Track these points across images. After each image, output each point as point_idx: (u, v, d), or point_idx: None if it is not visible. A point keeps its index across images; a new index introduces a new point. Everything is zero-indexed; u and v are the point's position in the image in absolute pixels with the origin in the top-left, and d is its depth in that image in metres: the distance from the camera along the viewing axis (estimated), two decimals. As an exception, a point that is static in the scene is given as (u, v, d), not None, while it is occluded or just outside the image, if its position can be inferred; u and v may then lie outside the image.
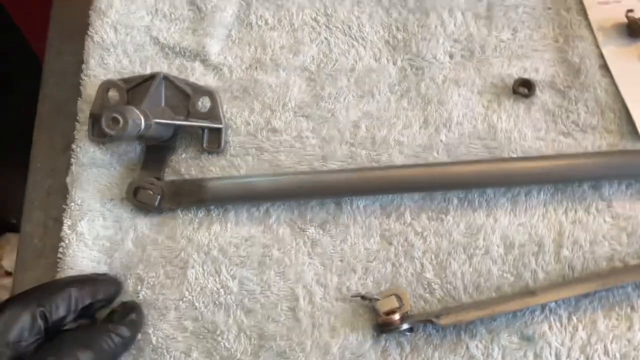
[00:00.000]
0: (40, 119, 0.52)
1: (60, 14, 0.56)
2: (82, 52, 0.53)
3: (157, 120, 0.44)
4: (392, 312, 0.41)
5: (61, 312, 0.38)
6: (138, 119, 0.41)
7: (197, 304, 0.42)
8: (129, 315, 0.41)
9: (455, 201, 0.46)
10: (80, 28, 0.54)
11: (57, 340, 0.38)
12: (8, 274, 1.19)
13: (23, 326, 0.37)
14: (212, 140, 0.47)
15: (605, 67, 0.50)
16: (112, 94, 0.47)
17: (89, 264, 0.43)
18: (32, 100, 0.53)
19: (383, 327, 0.41)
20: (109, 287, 0.42)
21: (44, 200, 0.48)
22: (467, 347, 0.41)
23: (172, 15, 0.52)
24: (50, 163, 0.50)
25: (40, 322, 0.37)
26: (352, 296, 0.43)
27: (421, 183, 0.45)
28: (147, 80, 0.47)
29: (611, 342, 0.41)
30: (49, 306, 0.38)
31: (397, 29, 0.52)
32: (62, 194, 0.48)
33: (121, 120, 0.40)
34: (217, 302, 0.43)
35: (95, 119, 0.48)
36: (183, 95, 0.47)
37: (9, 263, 1.19)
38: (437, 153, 0.47)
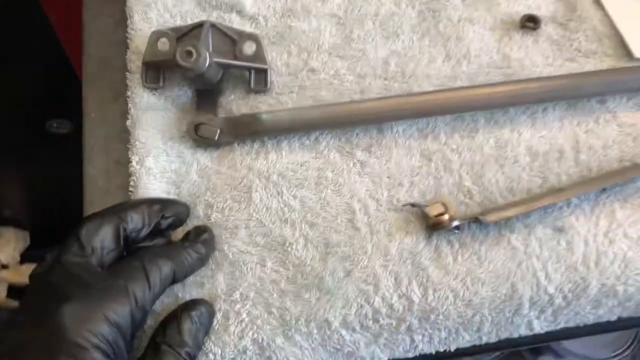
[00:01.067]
0: (87, 75, 0.55)
1: (91, -19, 0.59)
2: (117, 12, 0.56)
3: (216, 59, 0.48)
4: (441, 214, 0.46)
5: (137, 223, 0.41)
6: (205, 53, 0.45)
7: (264, 222, 0.47)
8: (202, 235, 0.44)
9: (483, 121, 0.51)
10: (113, -9, 0.57)
11: (139, 252, 0.41)
12: (4, 266, 1.19)
13: (105, 234, 0.39)
14: (259, 80, 0.51)
15: (598, 1, 0.57)
16: (163, 42, 0.51)
17: (159, 195, 0.47)
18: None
19: (434, 227, 0.46)
20: (177, 205, 0.45)
21: (103, 146, 0.51)
22: (509, 241, 0.46)
23: (206, -28, 0.56)
24: (103, 113, 0.53)
25: (120, 231, 0.40)
26: (403, 205, 0.47)
27: (452, 105, 0.50)
28: (195, 29, 0.50)
29: (629, 227, 0.47)
30: (125, 216, 0.41)
31: (412, -24, 0.57)
32: (119, 138, 0.51)
33: (194, 53, 0.44)
34: (282, 219, 0.47)
35: (148, 66, 0.51)
36: (229, 40, 0.51)
37: (4, 256, 1.20)
38: (461, 81, 0.53)
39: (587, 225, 0.47)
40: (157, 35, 0.51)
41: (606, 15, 0.56)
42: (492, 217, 0.46)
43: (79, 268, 0.38)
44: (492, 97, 0.50)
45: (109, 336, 0.36)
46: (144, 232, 0.42)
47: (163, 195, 0.47)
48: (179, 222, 0.45)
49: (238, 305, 0.44)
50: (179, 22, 0.54)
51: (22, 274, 1.19)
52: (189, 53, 0.44)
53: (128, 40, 0.53)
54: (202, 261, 0.44)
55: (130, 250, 0.42)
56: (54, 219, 0.86)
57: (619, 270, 0.46)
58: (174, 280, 0.41)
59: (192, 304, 0.42)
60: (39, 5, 0.72)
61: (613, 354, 1.00)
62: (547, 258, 0.46)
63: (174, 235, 0.46)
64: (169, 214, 0.43)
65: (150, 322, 0.42)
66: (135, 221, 0.41)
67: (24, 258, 1.19)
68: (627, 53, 0.54)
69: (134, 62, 0.52)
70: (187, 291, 0.44)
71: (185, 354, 0.39)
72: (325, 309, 0.44)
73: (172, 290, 0.44)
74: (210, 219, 0.46)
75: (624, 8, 0.56)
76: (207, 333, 0.42)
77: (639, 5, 0.57)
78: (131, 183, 0.47)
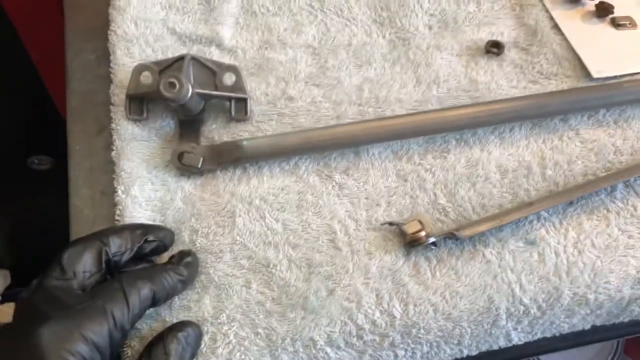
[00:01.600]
0: (71, 110, 0.56)
1: (73, 17, 0.62)
2: (100, 48, 0.58)
3: (197, 90, 0.50)
4: (418, 232, 0.48)
5: (119, 246, 0.42)
6: (188, 84, 0.47)
7: (248, 245, 0.48)
8: (185, 258, 0.45)
9: (454, 142, 0.54)
10: (94, 28, 0.59)
11: (119, 275, 0.42)
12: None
13: (87, 258, 0.40)
14: (239, 109, 0.54)
15: (556, 27, 0.60)
16: (145, 76, 0.53)
17: (145, 222, 0.48)
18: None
19: (411, 244, 0.48)
20: (161, 230, 0.45)
21: (88, 177, 0.53)
22: (484, 255, 0.49)
23: (184, 9, 0.59)
24: (88, 145, 0.54)
25: (102, 255, 0.41)
26: (381, 224, 0.49)
27: (424, 128, 0.53)
28: (176, 62, 0.53)
29: (596, 237, 0.50)
30: (107, 240, 0.41)
31: (382, 8, 0.61)
32: (103, 170, 0.52)
33: (177, 84, 0.46)
34: (266, 241, 0.48)
35: (131, 99, 0.53)
36: (210, 72, 0.53)
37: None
38: (432, 105, 0.56)
39: (557, 237, 0.49)
40: (140, 68, 0.53)
41: (565, 39, 0.60)
42: (466, 232, 0.48)
43: (59, 291, 0.39)
44: (462, 118, 0.53)
45: (87, 355, 0.36)
46: (127, 256, 0.43)
47: (149, 222, 0.48)
48: (163, 247, 0.46)
49: (225, 327, 0.45)
50: (160, 57, 0.56)
51: (2, 314, 1.18)
52: (172, 84, 0.46)
53: (111, 75, 0.55)
54: (185, 283, 0.45)
55: (113, 275, 0.43)
56: (36, 257, 0.86)
57: (589, 279, 0.48)
58: (154, 301, 0.42)
59: (179, 326, 0.43)
60: (21, 43, 0.73)
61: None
62: (520, 270, 0.48)
63: (158, 260, 0.47)
64: (152, 239, 0.44)
65: (138, 347, 0.43)
66: (117, 245, 0.42)
67: (5, 297, 1.18)
68: (586, 74, 0.58)
69: (118, 96, 0.54)
70: (175, 315, 0.45)
71: None
72: (310, 328, 0.45)
73: (160, 315, 0.45)
74: (195, 244, 0.48)
75: (580, 32, 0.60)
76: (194, 354, 0.43)
77: (594, 29, 0.60)
78: (117, 212, 0.48)
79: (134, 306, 0.39)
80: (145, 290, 0.41)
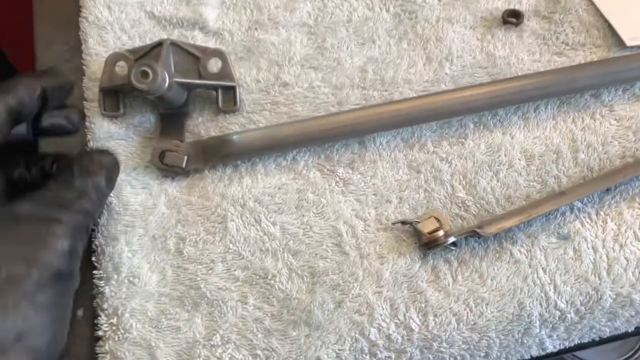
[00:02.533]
0: (42, 107, 0.50)
1: (42, 8, 0.55)
2: (73, 38, 0.52)
3: (177, 80, 0.44)
4: (435, 230, 0.42)
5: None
6: (163, 73, 0.41)
7: (243, 254, 0.42)
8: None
9: (471, 125, 0.48)
10: (65, 18, 0.53)
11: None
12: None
13: None
14: (227, 99, 0.47)
15: (581, -10, 0.53)
16: (120, 66, 0.47)
17: (123, 229, 0.42)
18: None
19: (428, 245, 0.42)
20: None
21: (62, 183, 0.47)
22: (511, 253, 0.43)
23: (164, -11, 0.52)
24: (61, 146, 0.48)
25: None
26: (393, 224, 0.43)
27: (437, 111, 0.46)
28: (154, 48, 0.47)
29: (639, 228, 0.43)
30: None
31: (384, -21, 0.54)
32: (79, 174, 0.47)
33: (151, 73, 0.40)
34: (262, 248, 0.42)
35: (105, 93, 0.47)
36: (192, 58, 0.47)
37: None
38: (445, 85, 0.49)
39: (593, 230, 0.43)
40: (113, 58, 0.47)
41: (592, 4, 0.53)
42: (491, 229, 0.42)
43: None
44: (479, 99, 0.47)
45: None
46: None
47: (128, 230, 0.42)
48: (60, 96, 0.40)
49: (219, 350, 0.39)
50: (137, 44, 0.50)
51: None
52: (145, 74, 0.40)
53: (84, 67, 0.49)
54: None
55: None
56: None
57: (634, 277, 0.42)
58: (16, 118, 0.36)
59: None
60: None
61: (621, 359, 0.96)
62: (554, 269, 0.42)
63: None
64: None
65: None
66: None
67: None
68: (618, 42, 0.51)
69: (91, 90, 0.48)
70: (162, 337, 0.40)
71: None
72: (317, 347, 0.39)
73: (145, 339, 0.39)
74: (183, 254, 0.42)
75: (608, -5, 0.53)
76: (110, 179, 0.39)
77: (626, -9, 0.53)
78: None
79: None
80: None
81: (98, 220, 0.41)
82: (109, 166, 0.39)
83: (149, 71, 0.40)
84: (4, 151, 0.38)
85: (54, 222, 0.34)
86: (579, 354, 0.95)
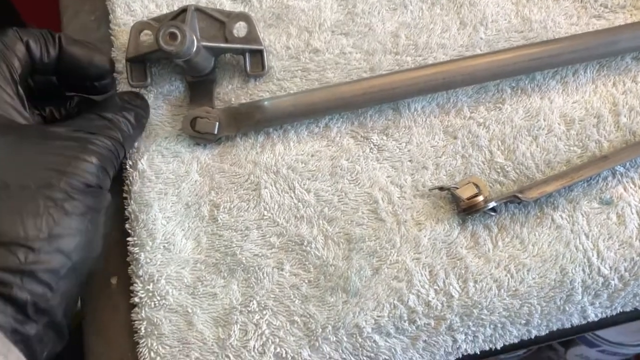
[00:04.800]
0: (70, 78, 0.50)
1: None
2: (99, 8, 0.51)
3: (204, 43, 0.43)
4: (474, 196, 0.41)
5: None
6: (191, 35, 0.40)
7: (278, 220, 0.41)
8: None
9: (509, 90, 0.46)
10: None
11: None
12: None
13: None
14: (255, 63, 0.46)
15: (620, -50, 0.51)
16: (146, 34, 0.46)
17: (155, 197, 0.42)
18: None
19: (467, 211, 0.41)
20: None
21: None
22: (552, 219, 0.41)
23: (190, -44, 0.51)
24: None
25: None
26: (430, 190, 0.42)
27: (473, 75, 0.45)
28: (178, 15, 0.46)
29: (685, 193, 0.42)
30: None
31: (415, -57, 0.52)
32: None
33: (179, 35, 0.39)
34: (297, 215, 0.42)
35: (132, 63, 0.46)
36: (218, 23, 0.46)
37: None
38: (480, 49, 0.48)
39: (637, 194, 0.42)
40: (138, 27, 0.46)
41: (631, -35, 0.51)
42: (532, 194, 0.41)
43: None
44: (516, 62, 0.45)
45: None
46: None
47: (160, 197, 0.42)
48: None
49: (257, 317, 0.39)
50: (165, 12, 0.49)
51: None
52: (173, 35, 0.39)
53: (112, 38, 0.48)
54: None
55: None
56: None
57: (681, 242, 0.40)
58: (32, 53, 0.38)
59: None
60: (19, 15, 0.67)
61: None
62: (597, 235, 0.41)
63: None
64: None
65: (156, 345, 0.37)
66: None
67: None
68: (660, 3, 0.49)
69: (120, 61, 0.47)
70: (198, 303, 0.39)
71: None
72: (355, 313, 0.39)
73: (181, 305, 0.39)
74: (217, 221, 0.41)
75: (650, -45, 0.51)
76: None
77: (668, -50, 0.51)
78: (124, 188, 0.42)
79: (9, 55, 0.37)
80: (17, 42, 0.37)
81: (127, 153, 0.42)
82: (139, 105, 0.41)
83: (177, 32, 0.39)
84: (33, 94, 0.39)
85: (84, 141, 0.35)
86: (607, 335, 0.93)
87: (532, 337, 0.42)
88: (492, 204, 0.40)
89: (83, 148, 0.35)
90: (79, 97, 0.42)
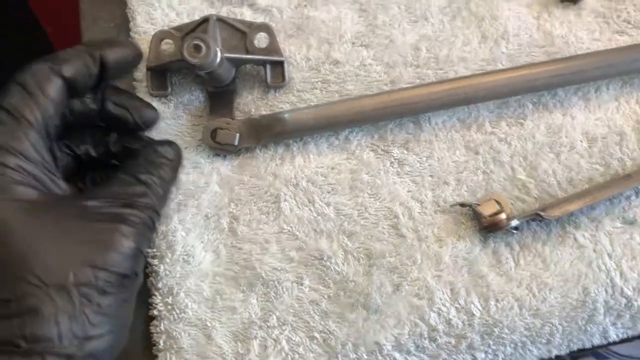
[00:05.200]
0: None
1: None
2: (119, 16, 0.51)
3: (226, 54, 0.43)
4: (496, 213, 0.41)
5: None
6: (215, 47, 0.39)
7: (297, 234, 0.41)
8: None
9: (530, 106, 0.46)
10: (111, -7, 0.52)
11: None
12: None
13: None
14: (276, 74, 0.46)
15: (643, -34, 0.51)
16: (167, 44, 0.46)
17: (176, 208, 0.42)
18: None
19: (489, 228, 0.40)
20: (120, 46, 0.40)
21: (110, 162, 0.46)
22: (575, 238, 0.41)
23: (211, -35, 0.51)
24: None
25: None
26: (451, 206, 0.42)
27: (495, 90, 0.45)
28: (200, 25, 0.46)
29: None
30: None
31: (436, -45, 0.52)
32: (128, 153, 0.46)
33: (204, 47, 0.39)
34: (317, 229, 0.41)
35: (152, 72, 0.46)
36: (239, 34, 0.46)
37: None
38: (501, 64, 0.47)
39: (661, 214, 0.41)
40: (160, 36, 0.46)
41: (655, -20, 0.51)
42: (554, 212, 0.40)
43: None
44: (539, 78, 0.45)
45: (16, 165, 0.33)
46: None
47: (181, 208, 0.42)
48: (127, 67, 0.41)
49: (276, 332, 0.38)
50: (185, 20, 0.49)
51: None
52: (198, 48, 0.39)
53: (131, 45, 0.48)
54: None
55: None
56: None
57: None
58: (73, 90, 0.36)
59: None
60: (35, 17, 0.67)
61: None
62: (620, 255, 0.40)
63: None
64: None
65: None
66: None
67: None
68: (683, 20, 0.49)
69: (141, 70, 0.47)
70: (217, 317, 0.39)
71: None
72: (375, 330, 0.38)
73: (200, 319, 0.39)
74: (237, 233, 0.41)
75: (674, -29, 0.51)
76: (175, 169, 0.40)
77: (692, -33, 0.51)
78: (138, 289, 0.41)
79: (40, 98, 0.34)
80: (54, 80, 0.35)
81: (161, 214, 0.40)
82: (174, 157, 0.39)
83: (202, 45, 0.39)
84: (69, 126, 0.37)
85: (121, 222, 0.34)
86: (616, 348, 0.93)
87: (553, 356, 0.42)
88: (515, 222, 0.40)
89: (120, 233, 0.33)
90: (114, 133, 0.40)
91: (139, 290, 0.36)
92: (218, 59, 0.40)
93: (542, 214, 0.40)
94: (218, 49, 0.40)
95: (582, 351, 0.43)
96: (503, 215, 0.40)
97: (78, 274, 0.31)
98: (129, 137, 0.40)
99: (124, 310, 0.34)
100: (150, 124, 0.41)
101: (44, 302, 0.30)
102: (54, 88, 0.35)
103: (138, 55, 0.41)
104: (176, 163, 0.40)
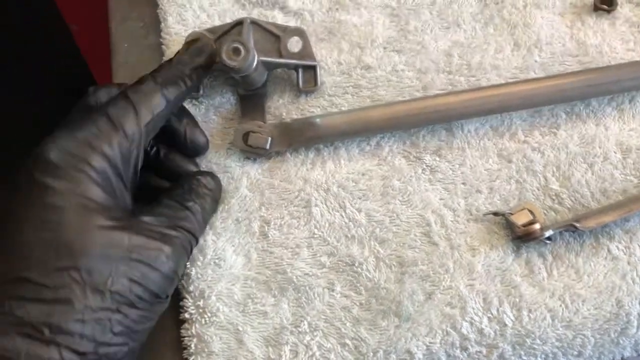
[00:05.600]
0: (119, 85, 0.50)
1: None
2: (148, 15, 0.51)
3: (262, 58, 0.43)
4: (530, 223, 0.40)
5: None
6: (254, 50, 0.39)
7: (328, 239, 0.41)
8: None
9: (563, 115, 0.46)
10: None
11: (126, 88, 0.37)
12: None
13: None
14: (308, 79, 0.46)
15: (679, -24, 0.51)
16: (201, 45, 0.45)
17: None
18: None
19: (522, 238, 0.40)
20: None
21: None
22: (609, 250, 0.41)
23: (243, -33, 0.51)
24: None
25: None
26: (484, 215, 0.42)
27: (528, 99, 0.44)
28: (234, 27, 0.46)
29: None
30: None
31: (470, -39, 0.52)
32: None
33: (242, 51, 0.39)
34: (348, 235, 0.41)
35: (185, 73, 0.46)
36: (273, 37, 0.46)
37: None
38: (534, 72, 0.47)
39: (696, 228, 0.41)
40: (193, 37, 0.46)
41: (690, -10, 0.50)
42: (589, 223, 0.40)
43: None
44: (573, 87, 0.45)
45: (101, 168, 0.34)
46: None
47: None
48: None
49: (307, 337, 0.38)
50: (216, 22, 0.49)
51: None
52: (237, 51, 0.39)
53: (162, 46, 0.48)
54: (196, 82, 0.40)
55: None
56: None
57: None
58: (170, 107, 0.38)
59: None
60: (60, 14, 0.67)
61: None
62: (655, 268, 0.40)
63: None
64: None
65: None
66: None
67: None
68: None
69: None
70: (248, 321, 0.39)
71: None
72: (407, 339, 0.38)
73: (232, 322, 0.38)
74: (268, 237, 0.41)
75: None
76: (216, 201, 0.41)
77: None
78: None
79: (144, 114, 0.36)
80: (155, 97, 0.36)
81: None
82: (215, 189, 0.40)
83: (241, 48, 0.39)
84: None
85: (166, 243, 0.35)
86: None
87: (582, 368, 0.42)
88: (548, 233, 0.40)
89: (164, 252, 0.35)
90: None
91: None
92: (255, 63, 0.40)
93: (576, 224, 0.40)
94: (255, 52, 0.40)
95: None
96: (537, 226, 0.40)
97: (116, 282, 0.32)
98: (174, 153, 0.41)
99: (144, 329, 0.35)
100: (197, 147, 0.42)
101: (78, 298, 0.31)
102: (159, 109, 0.37)
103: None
104: (217, 194, 0.41)
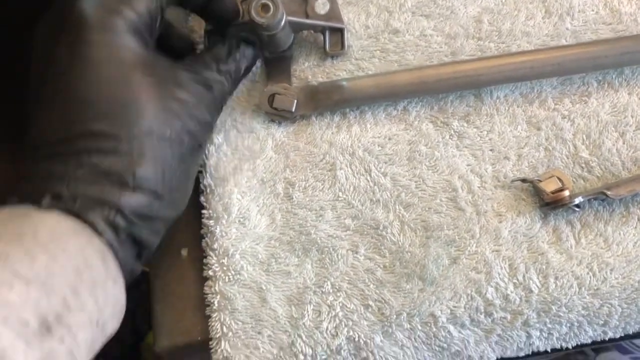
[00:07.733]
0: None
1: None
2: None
3: (289, 18, 0.42)
4: (559, 190, 0.40)
5: None
6: (283, 7, 0.39)
7: (353, 203, 0.41)
8: None
9: (595, 84, 0.44)
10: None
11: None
12: None
13: None
14: (335, 42, 0.45)
15: None
16: (227, 6, 0.45)
17: (231, 171, 0.41)
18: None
19: (551, 205, 0.39)
20: None
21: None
22: (639, 219, 0.40)
23: None
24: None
25: None
26: (512, 181, 0.41)
27: (559, 67, 0.43)
28: (262, -12, 0.45)
29: None
30: None
31: None
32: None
33: (272, 7, 0.38)
34: (373, 199, 0.41)
35: (210, 35, 0.45)
36: (300, -1, 0.45)
37: None
38: (566, 40, 0.46)
39: None
40: (220, -2, 0.45)
41: None
42: (620, 191, 0.39)
43: None
44: (607, 55, 0.44)
45: (134, 20, 0.34)
46: None
47: (237, 171, 0.41)
48: None
49: (330, 298, 0.38)
50: (242, -15, 0.48)
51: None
52: (266, 7, 0.38)
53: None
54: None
55: None
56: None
57: None
58: None
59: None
60: None
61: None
62: (686, 238, 0.39)
63: None
64: None
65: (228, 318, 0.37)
66: None
67: None
68: None
69: (199, 32, 0.46)
70: (272, 280, 0.39)
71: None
72: (431, 302, 0.38)
73: (255, 281, 0.38)
74: (292, 199, 0.41)
75: None
76: (248, 69, 0.43)
77: None
78: (200, 162, 0.42)
79: None
80: None
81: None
82: (250, 57, 0.42)
83: (270, 4, 0.38)
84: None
85: (207, 89, 0.37)
86: (637, 341, 0.91)
87: (607, 338, 0.41)
88: (578, 200, 0.39)
89: (205, 99, 0.37)
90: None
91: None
92: (283, 21, 0.39)
93: (607, 192, 0.39)
94: (284, 10, 0.40)
95: (604, 343, 0.42)
96: (566, 193, 0.39)
97: (173, 133, 0.34)
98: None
99: (190, 182, 0.38)
100: (226, 14, 0.42)
101: (151, 149, 0.33)
102: None
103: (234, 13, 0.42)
104: (251, 64, 0.42)
